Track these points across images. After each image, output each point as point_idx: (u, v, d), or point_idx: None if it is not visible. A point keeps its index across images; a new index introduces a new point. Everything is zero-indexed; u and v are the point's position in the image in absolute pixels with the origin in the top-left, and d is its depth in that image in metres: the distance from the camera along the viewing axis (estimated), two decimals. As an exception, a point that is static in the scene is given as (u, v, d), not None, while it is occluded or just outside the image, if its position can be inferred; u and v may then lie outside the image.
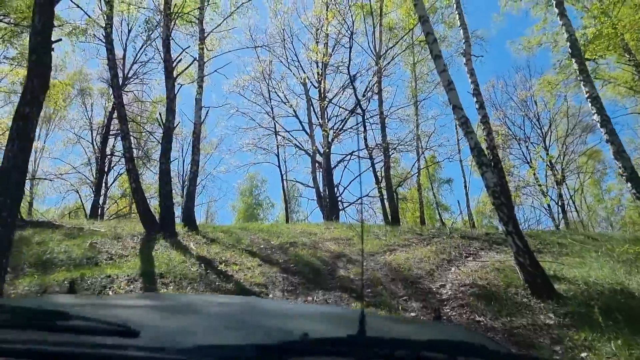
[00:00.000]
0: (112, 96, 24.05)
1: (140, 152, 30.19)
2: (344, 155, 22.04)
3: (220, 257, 9.01)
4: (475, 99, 9.65)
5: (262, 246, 10.63)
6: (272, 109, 22.06)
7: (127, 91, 24.39)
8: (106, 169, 24.93)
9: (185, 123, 30.18)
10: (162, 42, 11.55)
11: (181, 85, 13.67)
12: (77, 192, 29.30)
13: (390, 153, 17.68)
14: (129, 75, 24.05)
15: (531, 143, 31.05)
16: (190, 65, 12.97)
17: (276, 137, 21.80)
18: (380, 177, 17.33)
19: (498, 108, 30.94)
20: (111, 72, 10.99)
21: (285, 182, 23.72)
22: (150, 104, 30.17)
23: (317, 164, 20.44)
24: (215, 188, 55.54)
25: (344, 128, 23.19)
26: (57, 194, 30.32)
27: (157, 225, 10.50)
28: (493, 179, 7.48)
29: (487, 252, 10.72)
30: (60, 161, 33.83)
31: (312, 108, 21.52)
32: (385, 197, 17.44)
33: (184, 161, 35.78)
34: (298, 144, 21.48)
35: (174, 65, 11.46)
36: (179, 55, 12.36)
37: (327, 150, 19.19)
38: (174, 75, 11.37)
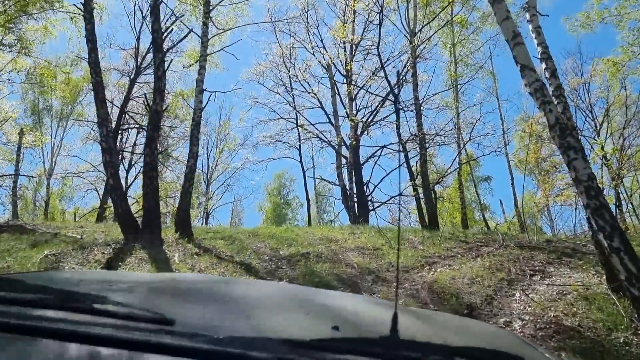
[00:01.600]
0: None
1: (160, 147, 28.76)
2: (375, 149, 19.74)
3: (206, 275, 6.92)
4: (544, 65, 7.17)
5: (267, 258, 8.49)
6: (293, 98, 19.94)
7: (141, 82, 22.79)
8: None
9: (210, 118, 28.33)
10: (151, 9, 9.59)
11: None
12: (96, 190, 28.16)
13: (427, 145, 15.23)
14: (143, 65, 22.33)
15: (583, 136, 27.70)
16: (184, 37, 11.00)
17: (298, 129, 19.64)
18: (415, 173, 14.92)
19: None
20: (89, 45, 9.09)
21: (307, 180, 21.54)
22: (172, 96, 28.74)
23: (343, 159, 18.17)
24: (240, 187, 53.24)
25: (374, 120, 20.88)
26: (80, 192, 29.31)
27: (139, 230, 8.52)
28: (586, 170, 5.08)
29: (558, 268, 8.20)
30: (79, 159, 32.79)
31: (338, 97, 19.25)
32: (421, 196, 15.03)
33: (208, 158, 34.40)
34: (322, 136, 19.28)
35: (163, 37, 9.45)
36: (171, 25, 10.38)
37: (355, 142, 16.88)
38: (164, 49, 9.38)
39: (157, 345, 0.86)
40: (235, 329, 1.06)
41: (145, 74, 22.51)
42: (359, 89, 18.37)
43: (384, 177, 20.75)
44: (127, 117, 22.63)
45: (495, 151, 16.31)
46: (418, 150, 15.39)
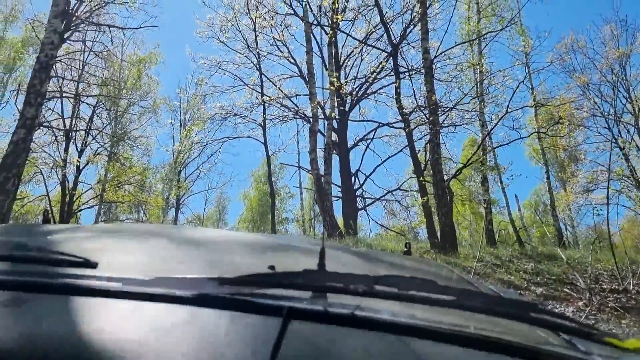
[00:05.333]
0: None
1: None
2: (367, 129, 14.85)
3: None
4: None
5: None
6: (258, 58, 14.90)
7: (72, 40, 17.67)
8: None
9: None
10: None
11: None
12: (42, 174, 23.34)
13: (441, 122, 10.31)
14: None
15: (621, 122, 22.64)
16: None
17: (262, 99, 14.69)
18: (424, 163, 10.08)
19: (578, 73, 22.60)
20: None
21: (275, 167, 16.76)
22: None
23: (321, 138, 13.30)
24: (217, 173, 47.41)
25: (367, 91, 15.85)
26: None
27: None
28: None
29: None
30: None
31: (318, 54, 14.25)
32: (431, 194, 10.19)
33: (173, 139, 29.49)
34: (290, 105, 14.33)
35: None
36: None
37: (334, 115, 11.94)
38: None
39: (80, 289, 0.84)
40: (162, 271, 0.98)
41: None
42: (344, 37, 13.36)
43: (379, 165, 15.85)
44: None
45: (537, 132, 11.29)
46: (428, 129, 10.48)
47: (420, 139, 13.43)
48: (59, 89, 21.50)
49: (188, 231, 2.22)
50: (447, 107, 11.22)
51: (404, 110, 10.24)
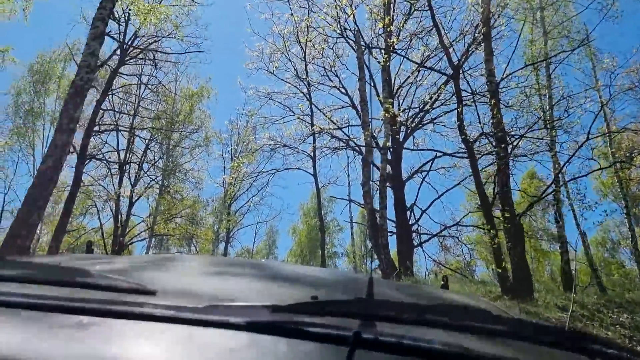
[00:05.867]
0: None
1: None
2: (422, 160, 13.85)
3: None
4: None
5: None
6: (308, 86, 14.38)
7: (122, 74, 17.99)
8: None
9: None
10: None
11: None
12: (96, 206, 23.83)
13: (510, 149, 9.22)
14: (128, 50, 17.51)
15: None
16: None
17: (312, 129, 14.07)
18: (492, 195, 8.98)
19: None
20: None
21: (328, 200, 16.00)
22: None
23: (375, 171, 12.40)
24: (266, 206, 46.33)
25: (422, 121, 14.93)
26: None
27: None
28: None
29: None
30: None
31: (369, 84, 13.57)
32: (497, 231, 9.01)
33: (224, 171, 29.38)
34: (346, 137, 13.60)
35: None
36: None
37: (391, 147, 11.07)
38: None
39: (140, 315, 0.87)
40: (215, 297, 1.07)
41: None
42: (397, 66, 12.58)
43: (437, 199, 14.72)
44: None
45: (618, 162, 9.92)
46: (494, 157, 9.40)
47: (481, 170, 12.28)
48: (114, 122, 22.05)
49: (232, 261, 2.22)
50: (517, 135, 10.06)
51: (467, 137, 9.23)
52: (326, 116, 14.77)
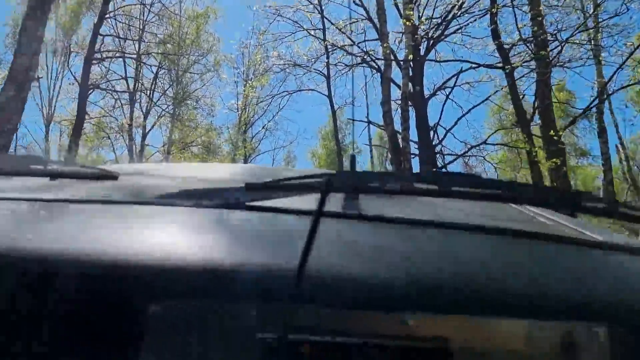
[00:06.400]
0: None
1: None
2: (445, 75, 12.52)
3: None
4: None
5: None
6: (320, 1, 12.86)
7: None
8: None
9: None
10: None
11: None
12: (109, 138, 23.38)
13: (554, 55, 7.92)
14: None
15: None
16: None
17: (325, 45, 12.74)
18: (531, 111, 7.86)
19: None
20: None
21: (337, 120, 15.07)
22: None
23: (395, 89, 11.19)
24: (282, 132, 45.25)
25: (446, 28, 13.32)
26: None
27: None
28: None
29: None
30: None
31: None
32: (536, 151, 7.97)
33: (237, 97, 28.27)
34: (362, 53, 12.28)
35: None
36: None
37: (411, 64, 9.82)
38: None
39: (105, 201, 0.85)
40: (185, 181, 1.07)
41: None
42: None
43: (462, 117, 13.50)
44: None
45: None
46: (534, 66, 8.12)
47: (525, 74, 10.77)
48: (119, 49, 20.95)
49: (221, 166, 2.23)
50: (560, 40, 8.64)
51: (502, 42, 7.94)
52: (340, 30, 13.39)
